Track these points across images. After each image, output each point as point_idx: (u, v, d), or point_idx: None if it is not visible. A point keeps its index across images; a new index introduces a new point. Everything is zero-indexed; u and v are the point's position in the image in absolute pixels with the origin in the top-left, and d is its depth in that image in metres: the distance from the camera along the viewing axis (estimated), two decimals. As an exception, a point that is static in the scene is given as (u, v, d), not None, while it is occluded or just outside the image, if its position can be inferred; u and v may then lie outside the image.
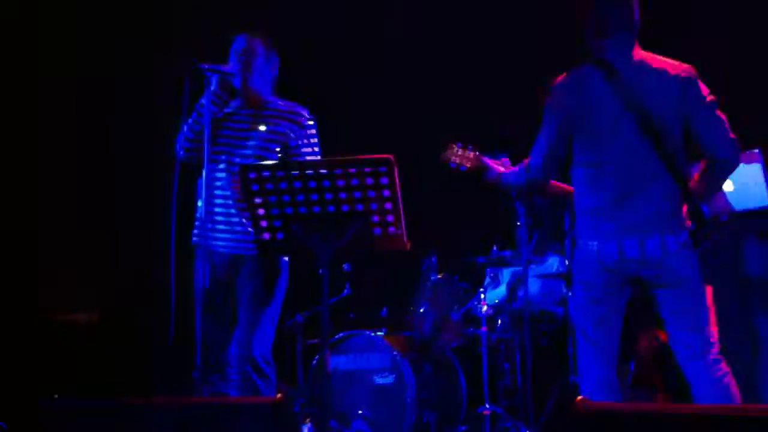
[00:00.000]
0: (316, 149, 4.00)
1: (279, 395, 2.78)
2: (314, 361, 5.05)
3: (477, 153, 3.73)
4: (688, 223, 3.25)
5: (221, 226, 3.92)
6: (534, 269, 5.06)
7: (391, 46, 6.00)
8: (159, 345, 5.54)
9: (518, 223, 4.73)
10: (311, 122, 4.01)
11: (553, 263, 5.23)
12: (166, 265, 3.65)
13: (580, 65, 3.36)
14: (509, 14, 5.80)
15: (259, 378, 3.85)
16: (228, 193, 3.90)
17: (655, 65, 3.29)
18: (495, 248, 5.23)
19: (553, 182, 3.59)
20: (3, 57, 5.64)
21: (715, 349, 3.21)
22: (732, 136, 3.26)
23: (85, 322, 5.70)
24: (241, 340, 3.84)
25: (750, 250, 4.06)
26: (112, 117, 5.90)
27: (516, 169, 3.55)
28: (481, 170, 3.71)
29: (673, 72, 3.27)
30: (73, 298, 5.82)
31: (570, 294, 4.89)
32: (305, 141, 3.97)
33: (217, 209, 3.90)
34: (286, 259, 4.01)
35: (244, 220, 3.86)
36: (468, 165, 3.75)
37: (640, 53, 3.32)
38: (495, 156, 3.76)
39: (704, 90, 3.27)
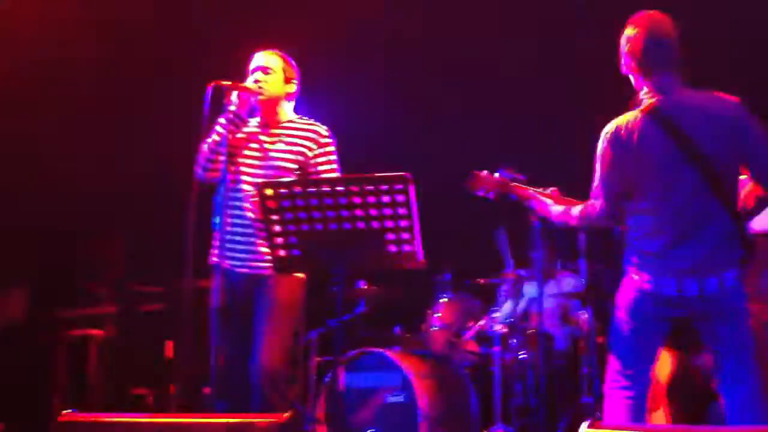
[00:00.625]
0: (335, 166, 3.99)
1: (289, 412, 2.77)
2: (326, 378, 5.03)
3: (503, 179, 3.73)
4: (741, 251, 3.24)
5: (240, 246, 3.91)
6: (549, 288, 5.04)
7: (413, 64, 6.02)
8: (175, 361, 5.55)
9: (534, 242, 4.71)
10: (330, 140, 4.01)
11: (568, 283, 5.21)
12: (182, 281, 3.65)
13: (629, 112, 3.31)
14: (536, 37, 5.80)
15: (274, 394, 3.83)
16: (247, 213, 3.90)
17: (703, 103, 3.25)
18: (509, 267, 5.21)
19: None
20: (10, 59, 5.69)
21: (758, 376, 3.22)
22: None
23: (101, 337, 5.71)
24: (257, 356, 3.81)
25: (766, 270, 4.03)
26: (134, 130, 5.94)
27: (568, 207, 3.52)
28: (512, 196, 3.71)
29: (723, 109, 3.24)
30: (90, 313, 5.83)
31: (584, 310, 4.88)
32: (323, 159, 3.97)
33: (236, 229, 3.89)
34: (302, 275, 4.00)
35: (261, 242, 3.86)
36: (495, 191, 3.75)
37: (685, 91, 3.29)
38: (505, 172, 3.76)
39: (757, 124, 3.25)
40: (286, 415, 2.75)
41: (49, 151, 5.85)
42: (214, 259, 3.93)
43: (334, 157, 4.00)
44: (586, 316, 4.87)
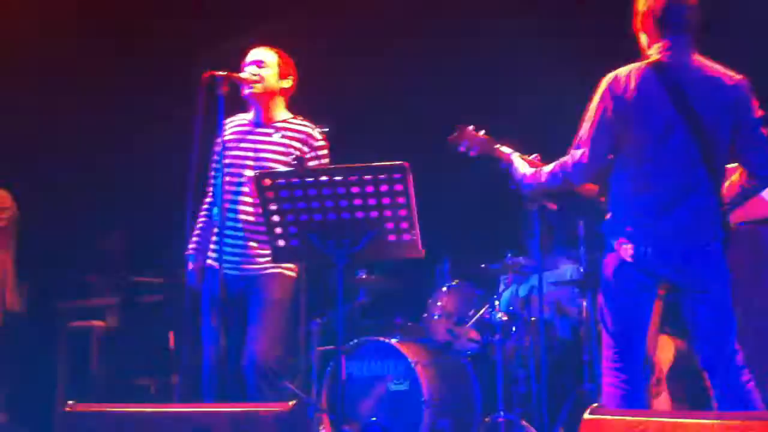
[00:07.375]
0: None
1: (292, 402, 2.79)
2: (329, 368, 5.05)
3: (489, 137, 3.66)
4: (723, 231, 3.20)
5: (230, 249, 3.86)
6: (548, 276, 5.05)
7: (408, 53, 6.00)
8: (174, 353, 5.57)
9: (532, 230, 4.71)
10: (323, 143, 3.96)
11: (567, 270, 5.21)
12: (182, 272, 3.66)
13: (636, 64, 3.26)
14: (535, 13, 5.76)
15: (272, 385, 3.83)
16: (237, 214, 3.87)
17: (711, 73, 3.23)
18: (509, 255, 5.21)
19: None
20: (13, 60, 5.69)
21: (740, 356, 3.19)
22: None
23: (102, 328, 5.73)
24: (249, 353, 3.79)
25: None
26: (128, 124, 5.95)
27: (543, 168, 3.43)
28: (493, 157, 3.64)
29: (729, 82, 3.22)
30: (92, 304, 5.85)
31: (584, 297, 4.89)
32: (315, 163, 3.91)
33: (227, 232, 3.84)
34: (293, 274, 3.96)
35: (252, 243, 3.85)
36: (478, 149, 3.68)
37: (697, 58, 3.26)
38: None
39: (756, 105, 3.23)
40: (290, 404, 2.76)
41: (50, 144, 5.86)
42: (209, 261, 3.92)
43: (326, 161, 3.95)
44: (585, 303, 4.88)
